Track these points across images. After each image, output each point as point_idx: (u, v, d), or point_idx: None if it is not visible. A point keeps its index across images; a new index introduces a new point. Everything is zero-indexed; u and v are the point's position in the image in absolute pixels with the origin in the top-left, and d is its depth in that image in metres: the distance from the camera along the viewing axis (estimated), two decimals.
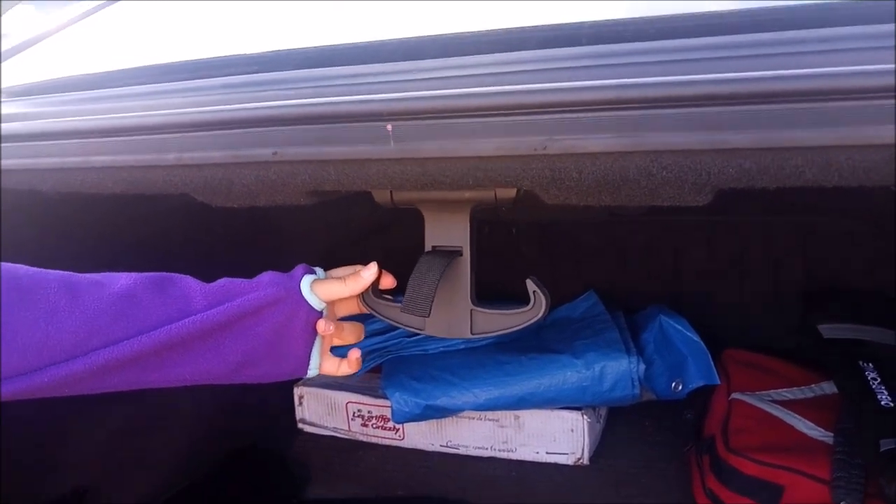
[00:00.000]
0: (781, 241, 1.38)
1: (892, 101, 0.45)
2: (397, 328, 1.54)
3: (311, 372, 0.72)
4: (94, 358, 0.59)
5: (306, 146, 0.58)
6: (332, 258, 1.65)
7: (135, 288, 0.63)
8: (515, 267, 1.47)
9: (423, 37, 0.63)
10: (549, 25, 0.59)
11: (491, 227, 1.53)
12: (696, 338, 1.35)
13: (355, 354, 0.74)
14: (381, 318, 0.76)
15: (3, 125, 0.70)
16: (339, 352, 0.75)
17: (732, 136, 0.48)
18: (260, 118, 0.58)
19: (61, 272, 0.62)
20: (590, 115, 0.50)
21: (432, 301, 0.68)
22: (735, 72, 0.48)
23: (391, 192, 0.67)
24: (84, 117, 0.66)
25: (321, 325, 0.69)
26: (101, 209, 0.87)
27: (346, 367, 0.74)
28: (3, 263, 0.58)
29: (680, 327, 1.36)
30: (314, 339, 0.71)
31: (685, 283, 1.46)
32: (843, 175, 0.49)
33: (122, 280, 0.63)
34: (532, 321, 0.73)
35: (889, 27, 0.48)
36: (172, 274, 0.67)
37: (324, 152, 0.58)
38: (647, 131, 0.50)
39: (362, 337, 0.77)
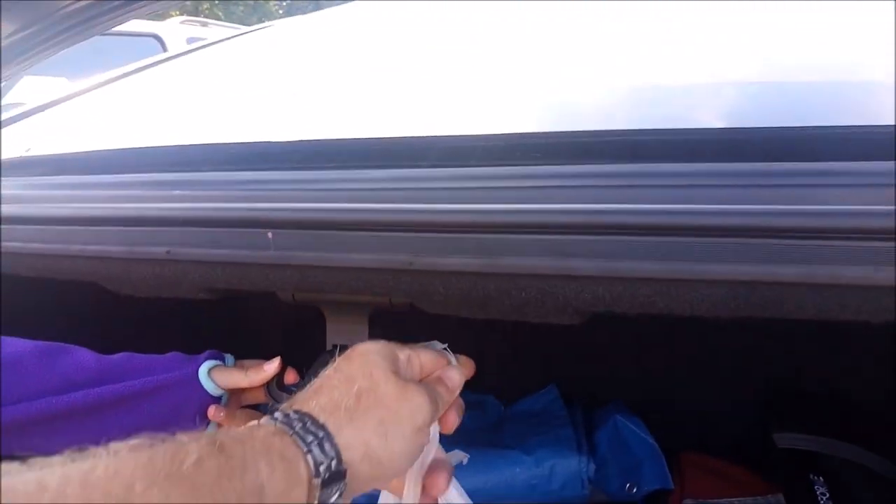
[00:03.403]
0: (746, 345, 1.37)
1: (731, 240, 0.46)
2: None
3: None
4: None
5: (196, 247, 0.60)
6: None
7: (24, 354, 0.64)
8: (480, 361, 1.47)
9: (311, 142, 0.66)
10: (417, 138, 0.62)
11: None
12: (650, 440, 1.32)
13: None
14: None
15: None
16: None
17: (582, 263, 0.50)
18: (154, 218, 0.61)
19: None
20: (449, 236, 0.52)
21: None
22: (584, 202, 0.50)
23: (293, 293, 0.69)
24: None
25: (211, 410, 0.70)
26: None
27: None
28: None
29: (635, 428, 1.34)
30: (207, 424, 0.71)
31: (647, 382, 1.44)
32: (693, 307, 0.50)
33: (14, 345, 0.65)
34: None
35: (722, 165, 0.50)
36: (69, 345, 0.68)
37: (212, 254, 0.60)
38: (501, 255, 0.51)
39: None
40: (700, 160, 0.51)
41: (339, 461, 0.42)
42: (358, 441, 0.43)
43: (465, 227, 0.51)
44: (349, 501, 0.44)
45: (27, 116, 1.10)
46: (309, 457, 0.40)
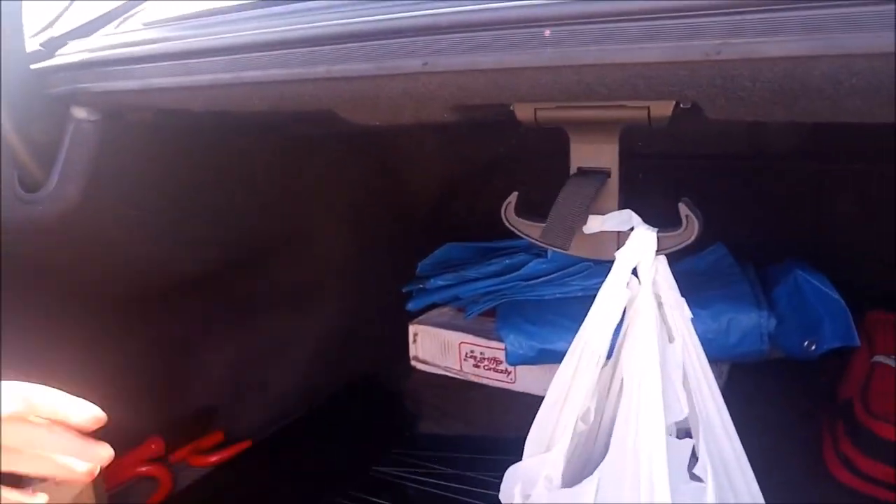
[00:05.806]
0: None
1: None
2: (513, 271, 1.53)
3: None
4: None
5: (458, 55, 0.56)
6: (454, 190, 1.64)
7: None
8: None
9: None
10: None
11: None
12: (835, 295, 1.26)
13: None
14: (525, 237, 0.74)
15: (155, 46, 0.73)
16: None
17: None
18: (409, 27, 0.57)
19: None
20: (774, 14, 0.46)
21: (573, 234, 0.67)
22: None
23: (535, 110, 0.65)
24: (234, 34, 0.67)
25: None
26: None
27: None
28: None
29: (818, 283, 1.28)
30: None
31: (829, 237, 1.36)
32: None
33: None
34: (684, 244, 0.70)
35: None
36: None
37: (476, 62, 0.56)
38: (841, 32, 0.45)
39: None
40: None
41: None
42: None
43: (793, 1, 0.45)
44: None
45: None
46: None
